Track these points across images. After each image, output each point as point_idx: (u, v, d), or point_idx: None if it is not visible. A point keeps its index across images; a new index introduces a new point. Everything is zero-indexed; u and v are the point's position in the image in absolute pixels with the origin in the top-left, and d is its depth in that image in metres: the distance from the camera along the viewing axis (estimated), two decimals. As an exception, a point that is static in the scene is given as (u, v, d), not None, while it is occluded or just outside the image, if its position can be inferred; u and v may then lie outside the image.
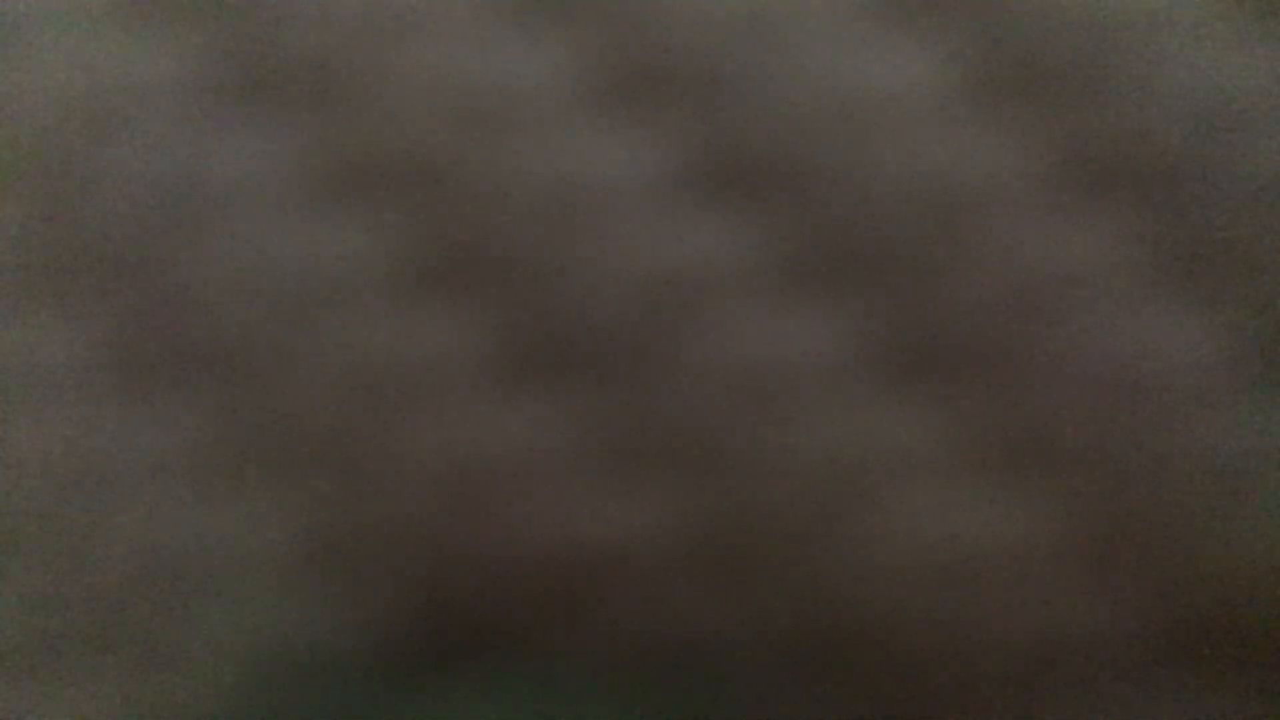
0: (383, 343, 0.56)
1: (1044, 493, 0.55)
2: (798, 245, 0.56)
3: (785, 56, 0.56)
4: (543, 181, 0.56)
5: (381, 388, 0.55)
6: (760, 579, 0.55)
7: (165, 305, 0.56)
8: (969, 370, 0.55)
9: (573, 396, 0.55)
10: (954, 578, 0.55)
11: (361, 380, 0.55)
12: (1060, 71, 0.56)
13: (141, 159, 0.56)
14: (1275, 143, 0.56)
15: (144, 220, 0.56)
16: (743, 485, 0.55)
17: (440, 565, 0.55)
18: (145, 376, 0.56)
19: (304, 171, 0.56)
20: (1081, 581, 0.55)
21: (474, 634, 0.55)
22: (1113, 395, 0.55)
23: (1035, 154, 0.56)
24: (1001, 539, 0.55)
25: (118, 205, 0.56)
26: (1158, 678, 0.55)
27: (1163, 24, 0.56)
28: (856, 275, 0.56)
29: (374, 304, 0.56)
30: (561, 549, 0.55)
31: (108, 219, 0.56)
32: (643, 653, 0.55)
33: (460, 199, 0.56)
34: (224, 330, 0.56)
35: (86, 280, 0.56)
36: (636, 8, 0.57)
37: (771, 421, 0.55)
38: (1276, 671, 0.54)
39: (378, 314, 0.56)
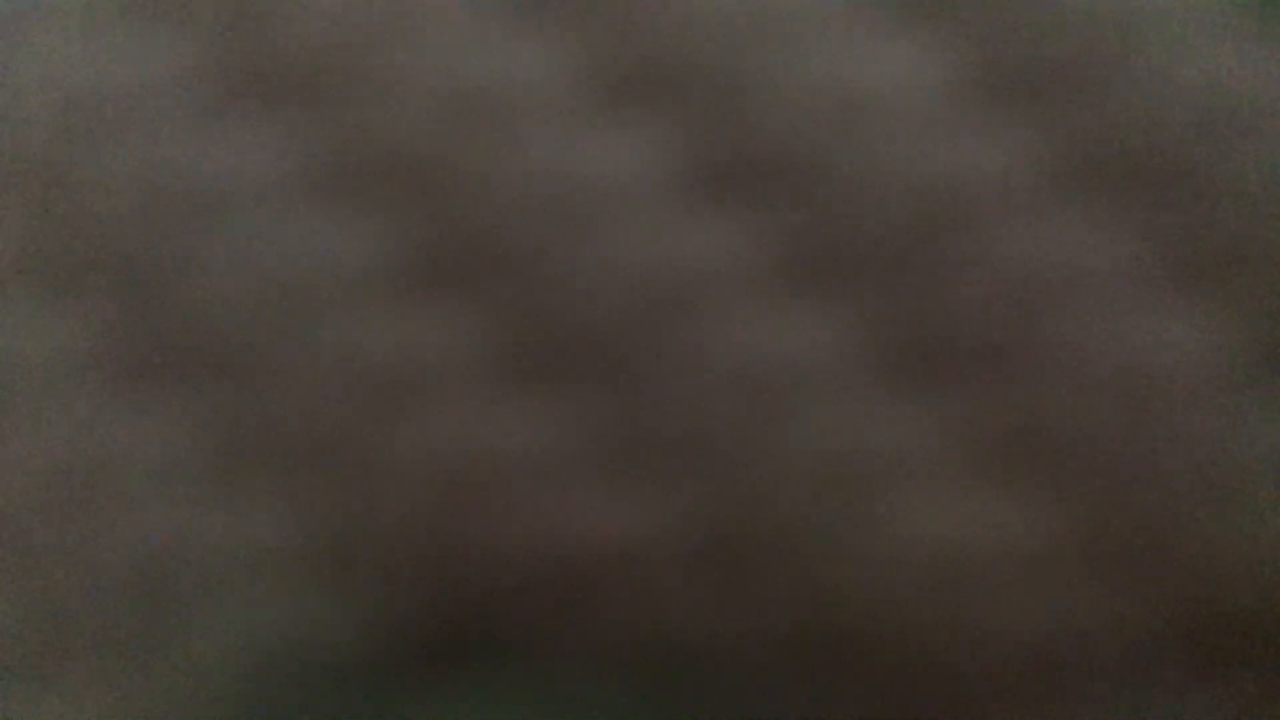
0: (382, 342, 0.56)
1: (1044, 492, 0.55)
2: (798, 244, 0.56)
3: (786, 56, 0.56)
4: (542, 181, 0.56)
5: (381, 387, 0.55)
6: (761, 579, 0.55)
7: (165, 304, 0.56)
8: (970, 370, 0.55)
9: (573, 396, 0.55)
10: (954, 577, 0.55)
11: (361, 380, 0.55)
12: (1062, 71, 0.56)
13: (142, 158, 0.56)
14: (1276, 142, 0.56)
15: (144, 219, 0.56)
16: (743, 485, 0.55)
17: (440, 565, 0.55)
18: (145, 376, 0.56)
19: (304, 171, 0.56)
20: (1082, 581, 0.55)
21: (474, 634, 0.55)
22: (1113, 395, 0.55)
23: (1036, 154, 0.56)
24: (1002, 539, 0.55)
25: (118, 204, 0.56)
26: (1158, 678, 0.55)
27: (1165, 24, 0.56)
28: (857, 275, 0.56)
29: (374, 303, 0.56)
30: (562, 548, 0.55)
31: (108, 218, 0.56)
32: (643, 653, 0.55)
33: (460, 198, 0.56)
34: (223, 329, 0.56)
35: (86, 279, 0.56)
36: (637, 7, 0.57)
37: (772, 421, 0.55)
38: (1276, 671, 0.54)
39: (378, 313, 0.56)
